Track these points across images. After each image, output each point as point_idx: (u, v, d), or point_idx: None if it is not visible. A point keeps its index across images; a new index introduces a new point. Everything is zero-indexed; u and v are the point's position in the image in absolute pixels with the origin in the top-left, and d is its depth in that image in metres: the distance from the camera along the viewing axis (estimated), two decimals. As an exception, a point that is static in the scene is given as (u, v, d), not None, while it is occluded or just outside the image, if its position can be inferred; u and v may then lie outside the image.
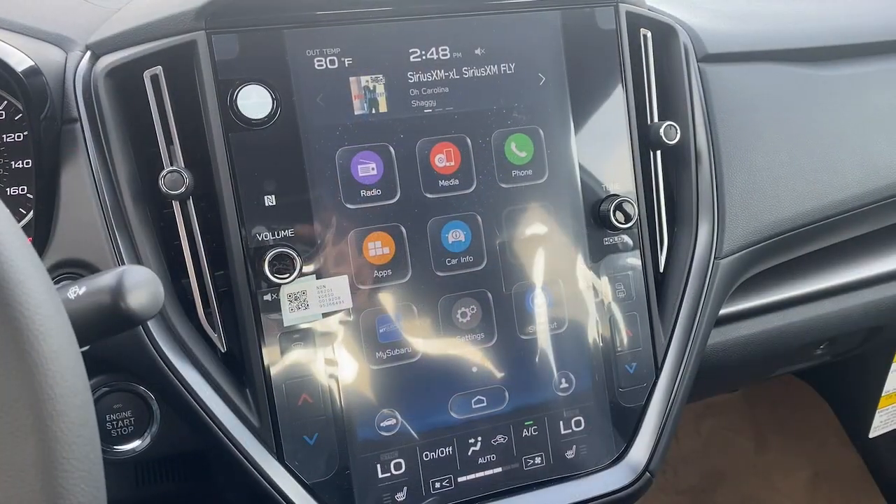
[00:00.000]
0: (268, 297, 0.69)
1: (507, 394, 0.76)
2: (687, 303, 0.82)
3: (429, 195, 0.73)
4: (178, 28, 0.67)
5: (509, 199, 0.75)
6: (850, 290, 1.00)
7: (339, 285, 0.71)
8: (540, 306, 0.77)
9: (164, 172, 0.66)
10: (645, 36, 0.82)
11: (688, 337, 0.82)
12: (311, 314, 0.70)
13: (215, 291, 0.69)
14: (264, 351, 0.69)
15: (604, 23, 0.79)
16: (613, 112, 0.79)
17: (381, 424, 0.73)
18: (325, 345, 0.71)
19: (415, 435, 0.74)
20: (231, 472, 0.71)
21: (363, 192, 0.71)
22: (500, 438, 0.76)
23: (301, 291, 0.70)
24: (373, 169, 0.72)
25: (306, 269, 0.69)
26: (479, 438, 0.76)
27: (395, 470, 0.73)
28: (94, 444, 0.39)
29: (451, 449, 0.75)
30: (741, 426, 1.66)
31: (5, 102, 0.72)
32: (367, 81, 0.71)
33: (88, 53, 0.71)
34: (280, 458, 0.70)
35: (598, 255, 0.79)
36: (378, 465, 0.73)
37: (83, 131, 0.69)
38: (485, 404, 0.76)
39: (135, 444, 0.71)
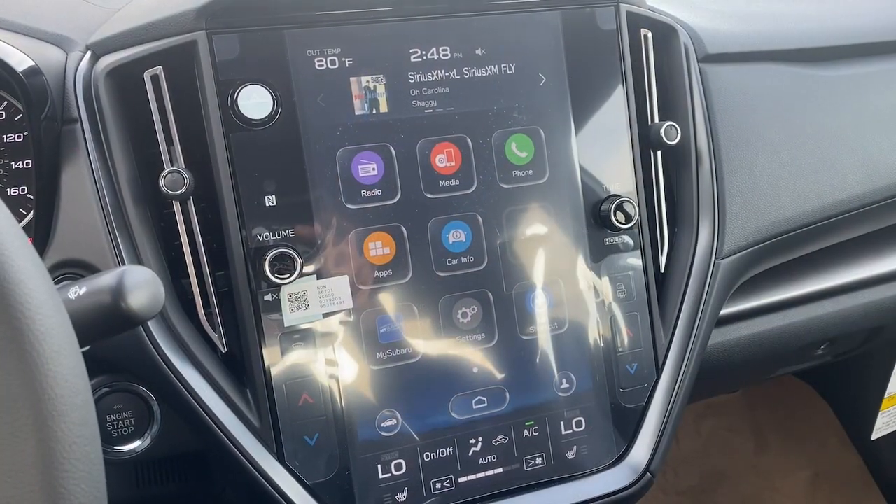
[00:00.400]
0: (268, 298, 0.69)
1: (507, 394, 0.76)
2: (688, 303, 0.82)
3: (429, 195, 0.73)
4: (179, 28, 0.67)
5: (510, 199, 0.75)
6: (851, 291, 1.00)
7: (340, 285, 0.71)
8: (540, 306, 0.77)
9: (164, 173, 0.66)
10: (645, 36, 0.82)
11: (688, 337, 0.82)
12: (311, 314, 0.70)
13: (216, 292, 0.69)
14: (265, 351, 0.69)
15: (604, 23, 0.79)
16: (614, 112, 0.79)
17: (382, 425, 0.73)
18: (326, 345, 0.71)
19: (415, 435, 0.74)
20: (231, 473, 0.71)
21: (364, 193, 0.71)
22: (500, 439, 0.76)
23: (301, 292, 0.70)
24: (373, 169, 0.72)
25: (307, 269, 0.69)
26: (480, 439, 0.76)
27: (396, 470, 0.73)
28: (95, 445, 0.39)
29: (451, 449, 0.75)
30: (741, 427, 1.66)
31: (5, 102, 0.72)
32: (368, 81, 0.71)
33: (89, 53, 0.71)
34: (280, 459, 0.70)
35: (599, 255, 0.79)
36: (379, 466, 0.73)
37: (83, 131, 0.69)
38: (485, 405, 0.76)
39: (135, 445, 0.71)
